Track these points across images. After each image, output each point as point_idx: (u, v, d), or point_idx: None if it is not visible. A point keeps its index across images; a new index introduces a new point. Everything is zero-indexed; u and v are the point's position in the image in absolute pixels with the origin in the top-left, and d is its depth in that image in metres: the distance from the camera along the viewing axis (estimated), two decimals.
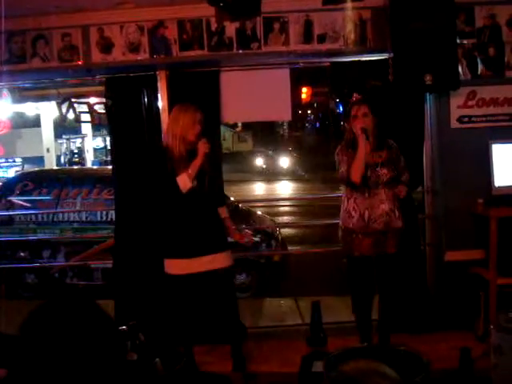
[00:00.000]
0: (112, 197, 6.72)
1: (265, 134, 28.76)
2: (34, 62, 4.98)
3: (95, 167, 17.50)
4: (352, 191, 4.46)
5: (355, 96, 4.55)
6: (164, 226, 4.39)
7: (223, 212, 4.54)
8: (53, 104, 16.14)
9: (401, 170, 4.47)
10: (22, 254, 7.42)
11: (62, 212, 7.52)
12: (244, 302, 5.78)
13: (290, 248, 7.79)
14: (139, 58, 4.97)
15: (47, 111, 17.66)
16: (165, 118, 5.11)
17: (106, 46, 4.94)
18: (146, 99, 5.12)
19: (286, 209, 10.86)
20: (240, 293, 6.59)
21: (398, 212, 4.45)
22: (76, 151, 23.24)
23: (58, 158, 21.86)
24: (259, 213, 8.75)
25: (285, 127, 30.23)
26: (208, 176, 4.33)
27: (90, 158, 22.14)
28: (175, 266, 4.31)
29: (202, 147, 4.21)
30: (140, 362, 2.03)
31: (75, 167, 17.93)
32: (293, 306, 6.26)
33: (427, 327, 4.96)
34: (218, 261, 4.31)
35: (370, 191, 4.38)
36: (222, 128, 5.09)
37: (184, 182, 4.19)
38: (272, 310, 6.27)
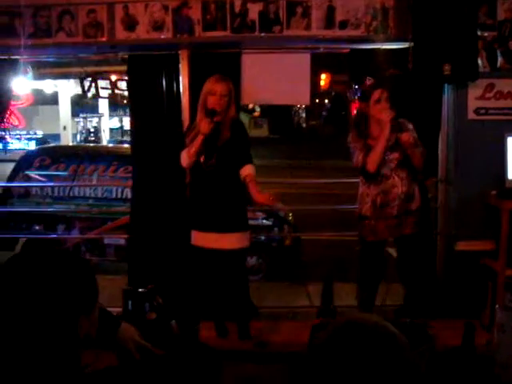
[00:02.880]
0: (128, 175, 6.83)
1: (281, 120, 28.76)
2: (60, 36, 5.05)
3: (112, 145, 17.63)
4: (366, 177, 4.52)
5: (369, 81, 4.59)
6: (185, 196, 4.48)
7: (245, 171, 4.24)
8: (71, 82, 16.31)
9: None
10: (37, 227, 7.54)
11: (79, 186, 7.63)
12: (254, 284, 5.86)
13: (302, 233, 7.83)
14: (162, 36, 5.04)
15: (65, 89, 17.80)
16: (185, 97, 5.19)
17: (131, 24, 5.01)
18: (167, 78, 5.19)
19: (299, 193, 10.90)
20: (251, 275, 6.68)
21: (413, 193, 4.49)
22: (92, 130, 23.38)
23: (75, 136, 22.03)
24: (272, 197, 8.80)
25: (302, 115, 30.20)
26: (222, 153, 4.24)
27: (105, 137, 22.30)
28: (192, 236, 4.40)
29: (201, 125, 4.16)
30: (158, 321, 2.13)
31: (92, 145, 18.06)
32: (303, 290, 6.34)
33: (434, 314, 5.01)
34: (225, 241, 4.28)
35: (382, 177, 4.43)
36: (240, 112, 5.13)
37: (183, 157, 4.24)
38: (282, 293, 6.36)
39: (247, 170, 4.25)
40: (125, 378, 1.76)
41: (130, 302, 2.27)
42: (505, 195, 4.84)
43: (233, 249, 4.32)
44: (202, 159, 4.24)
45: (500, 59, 5.06)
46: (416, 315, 4.50)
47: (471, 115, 5.08)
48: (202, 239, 4.34)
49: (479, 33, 4.93)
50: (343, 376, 1.25)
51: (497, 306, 2.51)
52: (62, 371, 1.44)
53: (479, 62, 4.95)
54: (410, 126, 4.53)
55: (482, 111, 5.07)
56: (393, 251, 4.94)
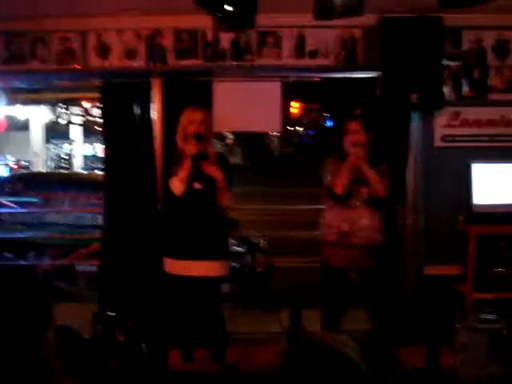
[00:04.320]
0: (100, 202, 6.82)
1: (254, 148, 28.85)
2: (33, 63, 5.08)
3: (84, 172, 17.54)
4: (333, 204, 4.57)
5: (355, 112, 4.69)
6: (162, 224, 4.54)
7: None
8: (43, 108, 16.26)
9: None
10: (7, 254, 7.46)
11: (51, 212, 7.58)
12: (226, 311, 5.85)
13: (274, 259, 7.85)
14: (135, 64, 5.09)
15: (37, 115, 17.73)
16: (158, 124, 5.24)
17: (104, 52, 5.06)
18: (140, 106, 5.22)
19: (272, 220, 10.94)
20: (223, 302, 6.66)
21: (378, 228, 4.56)
22: (65, 157, 23.21)
23: (47, 162, 21.85)
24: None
25: (275, 143, 30.38)
26: (208, 179, 4.33)
27: (78, 164, 22.15)
28: (165, 264, 4.42)
29: (187, 149, 4.28)
30: (127, 343, 2.15)
31: (64, 171, 17.93)
32: (275, 316, 6.34)
33: (406, 340, 5.05)
34: (205, 269, 4.31)
35: (351, 205, 4.50)
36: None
37: (174, 185, 4.28)
38: (254, 319, 6.35)
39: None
40: None
41: (100, 326, 2.29)
42: (472, 220, 4.95)
43: (214, 276, 4.37)
44: (196, 186, 4.31)
45: (465, 88, 5.20)
46: (386, 340, 4.56)
47: (438, 142, 5.20)
48: (179, 267, 4.35)
49: (445, 62, 5.08)
50: None
51: (458, 325, 2.57)
52: None
53: (445, 90, 5.09)
54: (386, 165, 4.62)
55: (449, 138, 5.20)
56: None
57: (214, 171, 4.33)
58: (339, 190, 4.45)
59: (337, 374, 1.30)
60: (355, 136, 4.48)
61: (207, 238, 4.34)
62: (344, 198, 4.48)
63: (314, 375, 1.30)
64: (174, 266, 4.36)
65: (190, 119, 4.37)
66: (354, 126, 4.52)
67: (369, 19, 4.84)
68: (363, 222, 4.49)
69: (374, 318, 4.69)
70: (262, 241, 7.86)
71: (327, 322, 4.65)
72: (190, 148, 4.28)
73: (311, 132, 28.66)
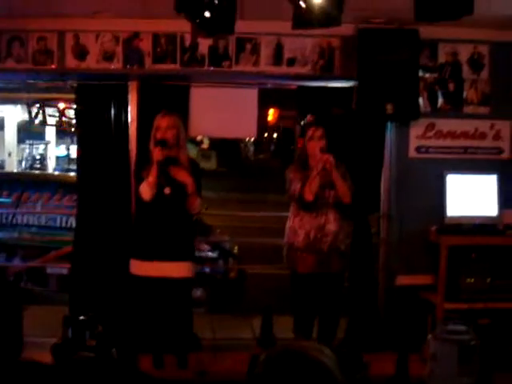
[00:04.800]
0: (73, 204, 6.75)
1: (229, 154, 28.85)
2: (8, 62, 5.03)
3: (57, 173, 17.33)
4: (299, 210, 4.60)
5: (309, 118, 4.72)
6: (133, 227, 4.57)
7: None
8: (18, 108, 16.06)
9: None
10: None
11: (22, 213, 7.49)
12: (198, 316, 5.84)
13: (247, 266, 7.85)
14: (112, 67, 5.07)
15: (11, 115, 17.51)
16: (133, 128, 5.22)
17: (81, 53, 5.03)
18: (115, 108, 5.20)
19: (246, 226, 10.94)
20: (195, 307, 6.65)
21: (344, 233, 4.61)
22: (38, 157, 22.93)
23: (20, 162, 21.57)
24: (218, 230, 8.81)
25: (250, 149, 30.42)
26: (176, 184, 4.35)
27: (52, 165, 21.90)
28: (133, 266, 4.43)
29: (154, 154, 4.28)
30: (98, 349, 2.13)
31: (37, 172, 17.73)
32: (247, 322, 6.33)
33: (376, 347, 5.08)
34: (170, 269, 4.34)
35: (317, 211, 4.54)
36: (188, 144, 5.21)
37: (143, 190, 4.29)
38: (226, 325, 6.34)
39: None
40: None
41: (70, 330, 2.26)
42: (444, 231, 5.00)
43: (178, 277, 4.37)
44: (166, 191, 4.32)
45: (440, 100, 5.27)
46: (357, 348, 4.58)
47: (412, 153, 5.26)
48: (143, 268, 4.37)
49: (421, 74, 5.13)
50: None
51: (429, 335, 2.59)
52: None
53: (420, 102, 5.15)
54: (343, 167, 4.65)
55: (423, 150, 5.26)
56: None
57: (183, 177, 4.35)
58: (309, 196, 4.48)
59: (314, 383, 1.31)
60: (321, 142, 4.52)
61: (172, 241, 4.39)
62: (313, 205, 4.51)
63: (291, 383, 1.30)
64: (140, 268, 4.40)
65: (157, 125, 4.40)
66: (318, 132, 4.56)
67: (346, 29, 4.87)
68: (330, 227, 4.53)
69: (323, 322, 4.71)
70: (235, 247, 7.85)
71: (298, 328, 4.67)
72: (156, 154, 4.28)
73: (285, 139, 28.74)
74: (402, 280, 5.21)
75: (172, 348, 4.54)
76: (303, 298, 4.64)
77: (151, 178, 4.27)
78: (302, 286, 4.63)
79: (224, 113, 5.25)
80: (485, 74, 5.28)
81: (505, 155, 5.32)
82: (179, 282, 4.40)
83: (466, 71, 5.27)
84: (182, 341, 4.53)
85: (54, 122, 6.21)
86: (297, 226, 4.60)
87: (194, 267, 4.50)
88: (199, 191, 4.47)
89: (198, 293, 7.06)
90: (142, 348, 4.34)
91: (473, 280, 4.92)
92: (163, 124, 4.38)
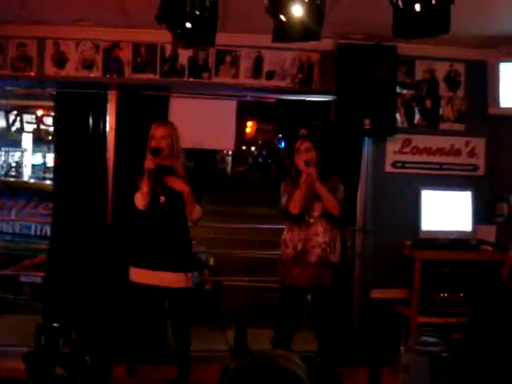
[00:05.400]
0: (48, 212, 6.70)
1: (206, 166, 28.83)
2: None
3: (33, 181, 17.15)
4: (290, 222, 4.62)
5: (302, 132, 4.75)
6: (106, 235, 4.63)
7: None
8: None
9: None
10: None
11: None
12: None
13: (222, 277, 7.84)
14: (92, 75, 5.06)
15: None
16: (111, 137, 5.21)
17: (60, 61, 5.01)
18: (94, 117, 5.19)
19: (222, 238, 10.94)
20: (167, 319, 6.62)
21: (334, 246, 4.60)
22: (14, 165, 22.70)
23: None
24: (194, 241, 8.78)
25: (228, 161, 30.47)
26: (172, 193, 4.37)
27: (27, 173, 21.68)
28: (131, 273, 4.45)
29: (146, 163, 4.30)
30: (72, 356, 2.12)
31: (12, 179, 17.56)
32: (222, 334, 6.31)
33: (350, 361, 5.10)
34: (167, 279, 4.35)
35: (306, 223, 4.55)
36: None
37: (137, 199, 4.30)
38: (200, 337, 6.31)
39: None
40: None
41: (43, 337, 2.25)
42: (418, 246, 5.06)
43: (175, 287, 4.39)
44: (161, 199, 4.35)
45: (417, 116, 5.34)
46: (331, 359, 4.59)
47: (389, 168, 5.32)
48: (143, 276, 4.39)
49: (398, 90, 5.20)
50: None
51: (401, 347, 2.62)
52: None
53: (397, 117, 5.22)
54: (337, 179, 4.70)
55: (399, 165, 5.32)
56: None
57: (179, 185, 4.38)
58: (294, 209, 4.50)
59: None
60: (307, 155, 4.54)
61: (168, 250, 4.40)
62: (299, 217, 4.53)
63: None
64: (137, 275, 4.42)
65: (152, 134, 4.45)
66: (305, 145, 4.59)
67: (326, 44, 4.93)
68: (318, 239, 4.54)
69: (320, 337, 4.72)
70: (210, 258, 7.84)
71: (278, 341, 4.66)
72: (148, 162, 4.31)
73: (264, 152, 28.79)
74: (377, 293, 5.25)
75: (145, 357, 4.53)
76: (286, 311, 4.64)
77: (144, 186, 4.30)
78: (287, 299, 4.64)
79: (202, 124, 5.27)
80: (461, 91, 5.37)
81: (479, 172, 5.40)
82: (176, 292, 4.41)
83: (442, 88, 5.35)
84: (154, 351, 4.54)
85: (32, 130, 6.15)
86: (287, 239, 4.63)
87: (190, 277, 4.46)
88: (199, 200, 4.49)
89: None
90: (116, 356, 4.32)
91: (446, 294, 4.97)
92: (158, 133, 4.42)
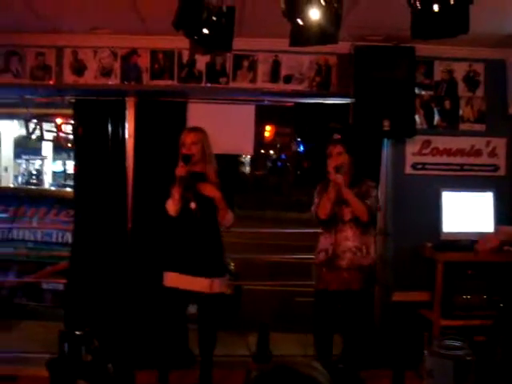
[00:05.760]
0: (69, 219, 6.74)
1: (227, 170, 28.78)
2: (6, 77, 5.05)
3: (54, 188, 17.29)
4: (322, 227, 4.63)
5: (335, 136, 4.73)
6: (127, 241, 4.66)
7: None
8: (15, 123, 16.09)
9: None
10: None
11: (19, 228, 7.47)
12: (194, 332, 5.83)
13: (243, 282, 7.83)
14: (110, 82, 5.09)
15: (8, 130, 17.52)
16: (130, 144, 5.23)
17: (79, 69, 5.05)
18: (113, 124, 5.22)
19: (243, 243, 10.96)
20: (190, 324, 6.62)
21: (365, 250, 4.55)
22: (35, 173, 22.90)
23: (16, 178, 21.54)
24: None
25: (247, 165, 30.51)
26: (204, 199, 4.37)
27: (48, 180, 21.87)
28: (165, 277, 4.43)
29: (177, 170, 4.32)
30: (94, 364, 2.12)
31: (33, 187, 17.72)
32: (243, 339, 6.30)
33: (373, 364, 5.06)
34: (196, 283, 4.34)
35: (336, 228, 4.54)
36: None
37: (169, 206, 4.32)
38: (222, 342, 6.30)
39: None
40: None
41: (66, 345, 2.26)
42: (440, 248, 5.01)
43: (207, 292, 4.37)
44: (192, 206, 4.35)
45: (436, 117, 5.30)
46: (354, 365, 4.57)
47: (408, 170, 5.28)
48: (173, 280, 4.39)
49: (417, 91, 5.17)
50: None
51: (425, 351, 2.59)
52: None
53: (417, 119, 5.19)
54: (370, 184, 4.66)
55: (419, 166, 5.28)
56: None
57: (210, 191, 4.37)
58: (322, 215, 4.51)
59: None
60: (338, 159, 4.50)
61: (200, 255, 4.38)
62: (329, 222, 4.52)
63: None
64: (170, 279, 4.41)
65: (182, 141, 4.44)
66: (337, 149, 4.55)
67: (343, 47, 4.92)
68: (348, 244, 4.51)
69: (346, 341, 4.70)
70: (231, 263, 7.83)
71: (318, 346, 4.67)
72: (179, 169, 4.32)
73: (283, 156, 28.77)
74: (399, 296, 5.21)
75: (170, 364, 4.54)
76: (322, 315, 4.64)
77: (175, 193, 4.32)
78: (321, 303, 4.63)
79: (221, 129, 5.26)
80: (480, 91, 5.32)
81: (500, 172, 5.34)
82: (208, 297, 4.41)
83: (461, 89, 5.31)
84: (177, 356, 4.54)
85: (51, 138, 6.20)
86: (320, 244, 4.63)
87: (222, 282, 4.46)
88: (231, 206, 4.50)
89: (192, 309, 7.03)
90: (139, 363, 4.33)
91: (469, 297, 4.92)
92: (188, 139, 4.42)
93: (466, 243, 5.03)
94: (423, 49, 4.98)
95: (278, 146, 28.47)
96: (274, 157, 29.87)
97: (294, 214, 16.94)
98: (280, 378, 1.34)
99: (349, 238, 4.53)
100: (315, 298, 4.72)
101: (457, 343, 2.63)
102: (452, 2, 3.00)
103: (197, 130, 4.51)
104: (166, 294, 4.43)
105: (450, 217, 5.08)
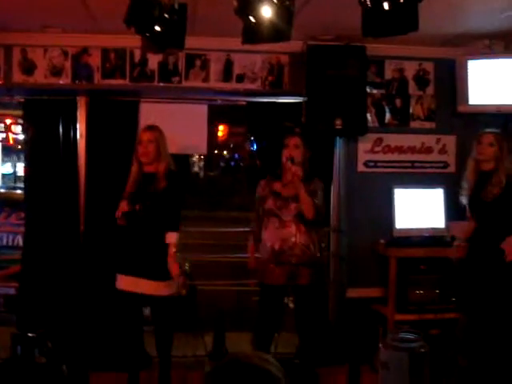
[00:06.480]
0: (20, 222, 6.61)
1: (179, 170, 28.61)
2: None
3: (3, 191, 16.91)
4: (268, 222, 4.55)
5: (296, 129, 4.71)
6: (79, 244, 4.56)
7: (170, 237, 4.26)
8: None
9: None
10: None
11: None
12: (148, 334, 5.78)
13: (197, 282, 7.81)
14: (61, 82, 5.02)
15: None
16: (82, 144, 5.16)
17: (28, 68, 4.96)
18: (64, 124, 5.14)
19: (196, 243, 10.92)
20: (145, 326, 6.56)
21: (312, 245, 4.52)
22: None
23: None
24: None
25: (200, 165, 30.40)
26: (151, 200, 4.26)
27: None
28: (116, 280, 4.34)
29: (132, 171, 4.28)
30: (48, 366, 2.09)
31: None
32: (198, 340, 6.27)
33: (329, 361, 5.10)
34: (144, 286, 4.23)
35: (282, 223, 4.52)
36: None
37: (121, 206, 4.23)
38: (177, 343, 6.27)
39: (170, 238, 4.26)
40: None
41: (19, 347, 2.21)
42: (392, 244, 5.09)
43: (154, 294, 4.26)
44: (137, 207, 4.24)
45: (388, 115, 5.38)
46: (310, 360, 4.59)
47: (361, 167, 5.35)
48: (121, 282, 4.30)
49: (368, 90, 5.24)
50: None
51: (380, 344, 2.63)
52: None
53: (368, 117, 5.26)
54: (319, 184, 4.63)
55: (371, 164, 5.35)
56: (290, 301, 5.01)
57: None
58: (270, 205, 4.50)
59: None
60: (294, 151, 4.49)
61: (145, 258, 4.26)
62: (273, 216, 4.51)
63: None
64: (119, 282, 4.32)
65: (139, 139, 4.36)
66: (294, 140, 4.53)
67: (295, 46, 4.95)
68: (294, 239, 4.49)
69: (302, 338, 4.70)
70: (186, 263, 7.79)
71: (258, 342, 4.61)
72: (133, 169, 4.28)
73: (236, 156, 28.79)
74: (353, 293, 5.27)
75: (125, 365, 4.49)
76: (267, 311, 4.60)
77: (126, 194, 4.27)
78: (267, 298, 4.60)
79: (174, 129, 5.20)
80: (430, 90, 5.42)
81: (450, 169, 5.45)
82: (158, 300, 4.30)
83: (412, 87, 5.40)
84: (134, 358, 4.48)
85: (0, 139, 6.07)
86: (265, 238, 4.56)
87: (170, 284, 4.28)
88: (176, 221, 4.38)
89: (147, 311, 6.96)
90: (93, 365, 4.27)
91: (422, 291, 5.00)
92: (144, 137, 4.32)
93: (419, 239, 5.13)
94: (374, 48, 5.04)
95: (232, 145, 28.48)
96: (228, 157, 29.87)
97: (247, 214, 16.94)
98: (234, 371, 1.34)
99: (295, 234, 4.49)
100: (261, 293, 4.67)
101: (411, 336, 2.68)
102: (401, 1, 3.04)
103: (153, 128, 4.44)
104: (118, 296, 4.37)
105: (403, 213, 5.15)
